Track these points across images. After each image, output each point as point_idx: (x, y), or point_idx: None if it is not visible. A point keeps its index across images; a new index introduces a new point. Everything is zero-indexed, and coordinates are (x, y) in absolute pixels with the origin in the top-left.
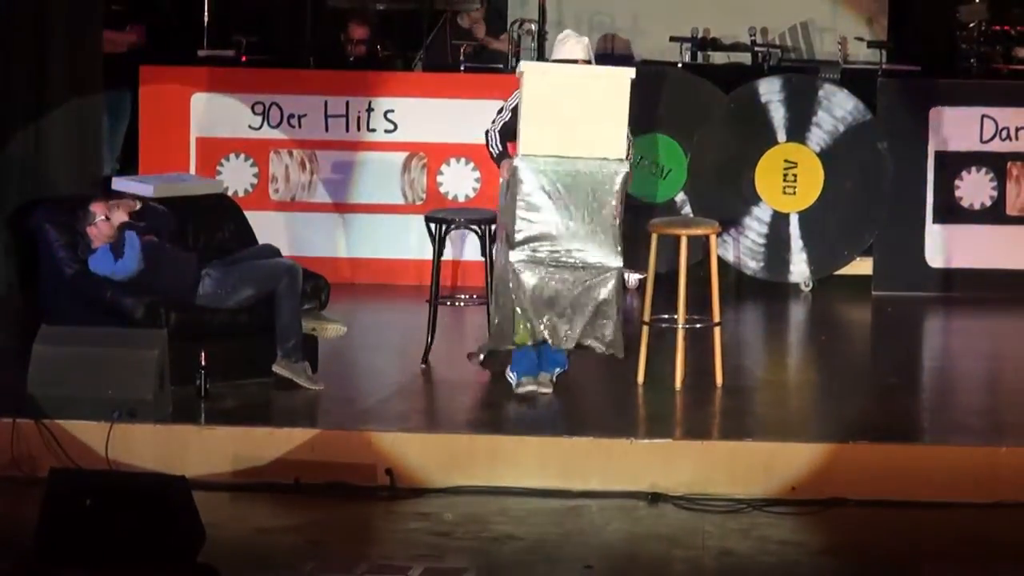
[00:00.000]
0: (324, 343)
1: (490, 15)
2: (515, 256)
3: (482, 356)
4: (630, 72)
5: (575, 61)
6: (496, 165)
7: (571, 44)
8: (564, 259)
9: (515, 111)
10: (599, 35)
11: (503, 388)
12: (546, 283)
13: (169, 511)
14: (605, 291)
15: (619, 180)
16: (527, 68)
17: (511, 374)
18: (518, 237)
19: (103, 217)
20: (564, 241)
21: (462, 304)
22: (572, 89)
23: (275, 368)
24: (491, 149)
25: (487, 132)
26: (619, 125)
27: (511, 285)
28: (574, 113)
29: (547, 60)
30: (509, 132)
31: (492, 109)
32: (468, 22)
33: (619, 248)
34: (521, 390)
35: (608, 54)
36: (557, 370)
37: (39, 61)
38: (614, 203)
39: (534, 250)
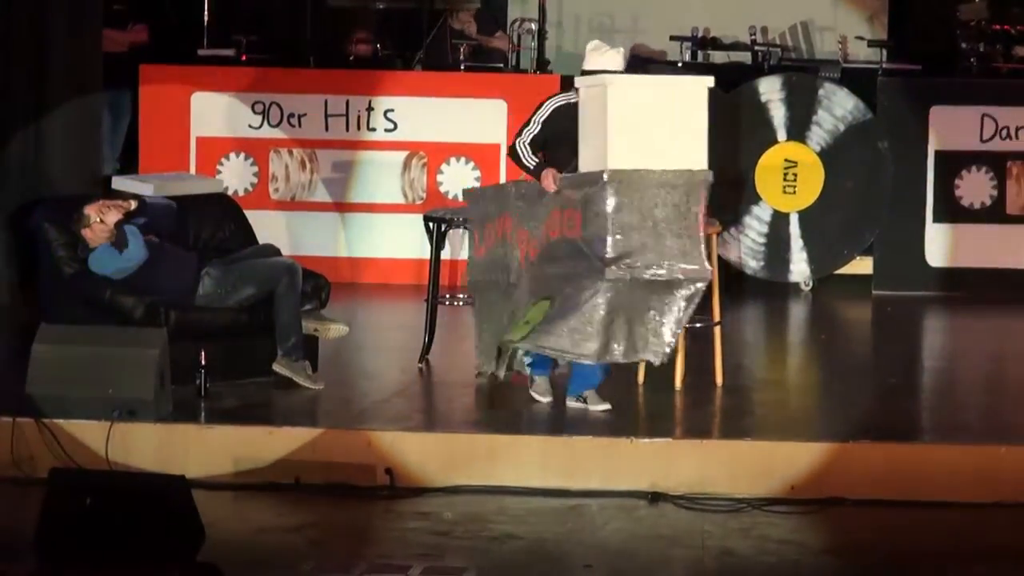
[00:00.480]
0: (324, 343)
1: (484, 14)
2: (610, 274)
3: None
4: (708, 81)
5: (614, 72)
6: (535, 177)
7: (611, 55)
8: (655, 273)
9: (544, 124)
10: (597, 35)
11: (502, 387)
12: (636, 298)
13: (169, 511)
14: (691, 302)
15: (704, 190)
16: (612, 82)
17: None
18: (611, 254)
19: (97, 219)
20: (653, 255)
21: (460, 304)
22: (652, 101)
23: (275, 366)
24: (525, 162)
25: (516, 145)
26: (700, 134)
27: (598, 301)
28: (655, 125)
29: (583, 71)
30: (537, 145)
31: (492, 108)
32: (459, 23)
33: (707, 256)
34: (592, 406)
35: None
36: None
37: (39, 61)
38: (700, 213)
39: (629, 266)
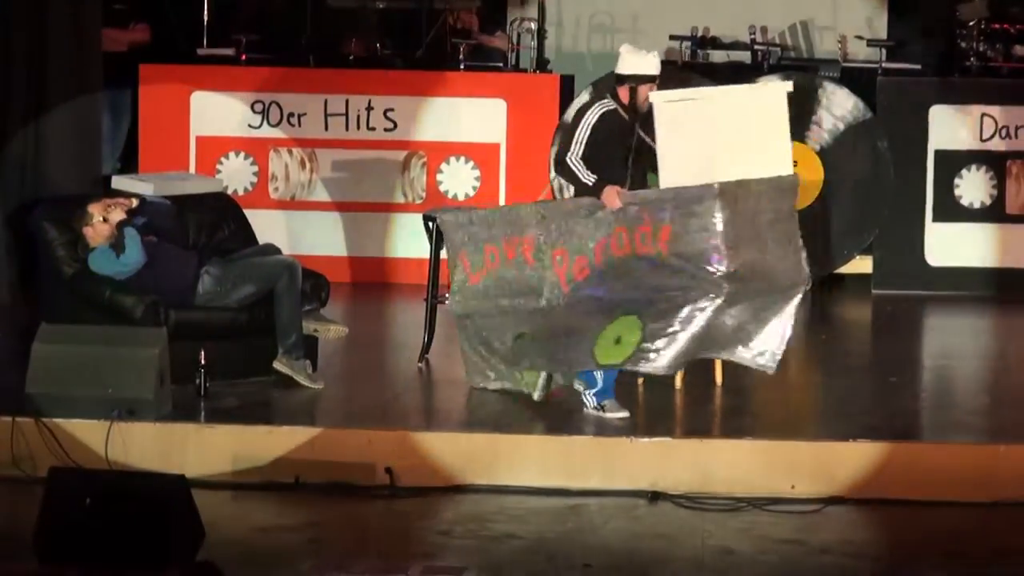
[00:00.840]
0: (324, 342)
1: (484, 14)
2: (726, 288)
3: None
4: (787, 86)
5: (654, 77)
6: (594, 194)
7: (649, 58)
8: (765, 282)
9: (589, 136)
10: (598, 35)
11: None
12: (735, 312)
13: (169, 510)
14: (791, 306)
15: (795, 194)
16: (698, 95)
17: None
18: (727, 268)
19: (100, 218)
20: (760, 265)
21: None
22: (742, 111)
23: (276, 364)
24: (583, 179)
25: (568, 161)
26: (784, 139)
27: (707, 314)
28: (747, 134)
29: (618, 75)
30: (589, 160)
31: (492, 108)
32: (459, 22)
33: (805, 261)
34: (610, 414)
35: (608, 54)
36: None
37: (39, 60)
38: (792, 217)
39: (743, 278)
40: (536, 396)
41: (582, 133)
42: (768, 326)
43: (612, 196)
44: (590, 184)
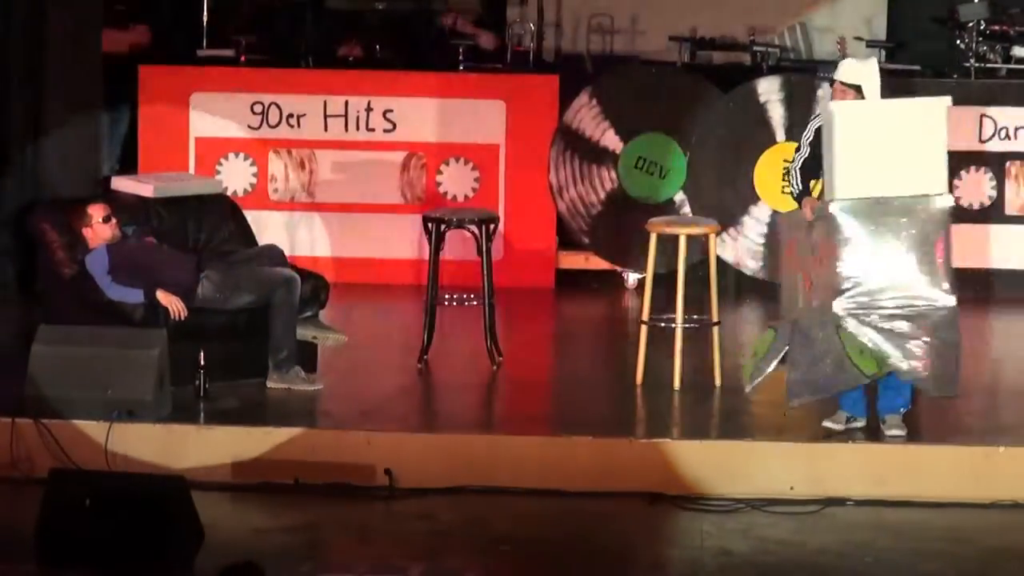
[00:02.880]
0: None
1: (482, 15)
2: (839, 306)
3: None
4: (946, 100)
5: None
6: (797, 203)
7: (852, 64)
8: (898, 305)
9: (812, 145)
10: (597, 36)
11: (500, 388)
12: (873, 330)
13: (168, 511)
14: (942, 329)
15: (946, 215)
16: (837, 109)
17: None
18: (845, 287)
19: (100, 219)
20: (895, 288)
21: (455, 303)
22: (889, 124)
23: (269, 383)
24: (792, 188)
25: (790, 169)
26: (939, 156)
27: (829, 334)
28: (893, 149)
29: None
30: (809, 169)
31: (491, 109)
32: (458, 24)
33: (950, 285)
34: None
35: (608, 55)
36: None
37: (39, 62)
38: (942, 239)
39: (863, 298)
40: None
41: (804, 145)
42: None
43: (806, 208)
44: (795, 195)
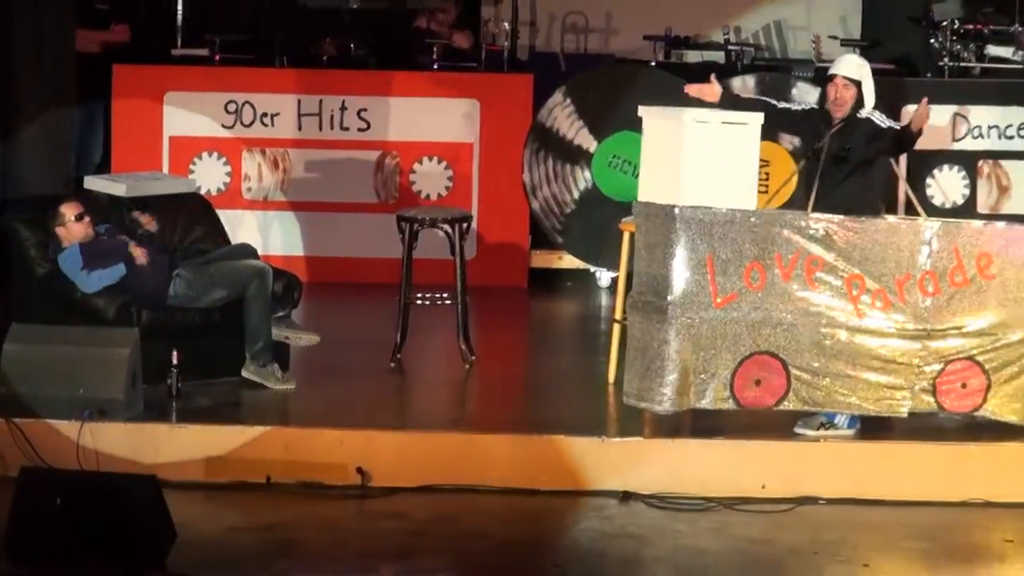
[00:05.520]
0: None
1: (457, 14)
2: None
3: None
4: (759, 118)
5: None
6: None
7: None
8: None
9: (791, 110)
10: (571, 35)
11: (473, 387)
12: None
13: (140, 510)
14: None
15: None
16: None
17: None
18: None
19: (72, 218)
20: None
21: (428, 302)
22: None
23: (244, 373)
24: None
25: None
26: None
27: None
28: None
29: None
30: (774, 110)
31: (465, 108)
32: (432, 23)
33: None
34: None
35: (582, 54)
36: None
37: (11, 62)
38: None
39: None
40: None
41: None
42: None
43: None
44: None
